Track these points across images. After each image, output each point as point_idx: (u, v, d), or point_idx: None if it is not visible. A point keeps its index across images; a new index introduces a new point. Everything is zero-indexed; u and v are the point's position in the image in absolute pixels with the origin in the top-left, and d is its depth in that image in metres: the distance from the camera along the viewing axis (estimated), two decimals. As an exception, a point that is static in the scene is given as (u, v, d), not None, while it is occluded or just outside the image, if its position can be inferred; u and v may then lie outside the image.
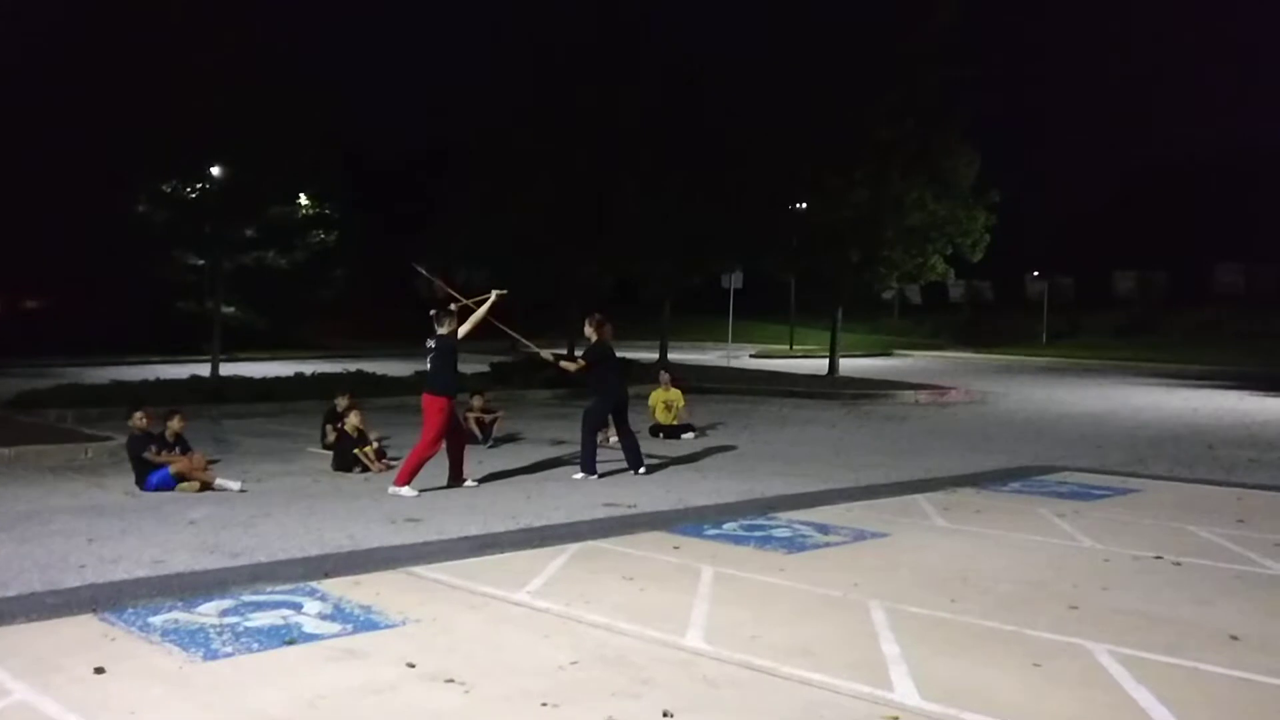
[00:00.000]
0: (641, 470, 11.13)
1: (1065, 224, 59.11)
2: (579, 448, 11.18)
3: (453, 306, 10.35)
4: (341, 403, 12.30)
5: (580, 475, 10.83)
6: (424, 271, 10.42)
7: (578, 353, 28.59)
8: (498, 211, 26.95)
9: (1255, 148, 57.71)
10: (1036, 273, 57.30)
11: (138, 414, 10.33)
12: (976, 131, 26.51)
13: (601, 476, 10.80)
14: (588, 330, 11.19)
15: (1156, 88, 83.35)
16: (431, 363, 10.15)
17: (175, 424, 10.39)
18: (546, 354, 12.37)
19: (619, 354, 11.93)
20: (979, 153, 26.30)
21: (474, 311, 10.38)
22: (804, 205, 27.09)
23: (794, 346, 47.12)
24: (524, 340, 12.86)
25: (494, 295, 10.52)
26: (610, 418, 11.44)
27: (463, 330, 10.23)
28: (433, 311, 10.40)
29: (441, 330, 10.13)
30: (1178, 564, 7.24)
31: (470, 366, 20.22)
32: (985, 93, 27.18)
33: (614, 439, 12.54)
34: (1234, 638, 5.56)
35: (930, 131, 25.47)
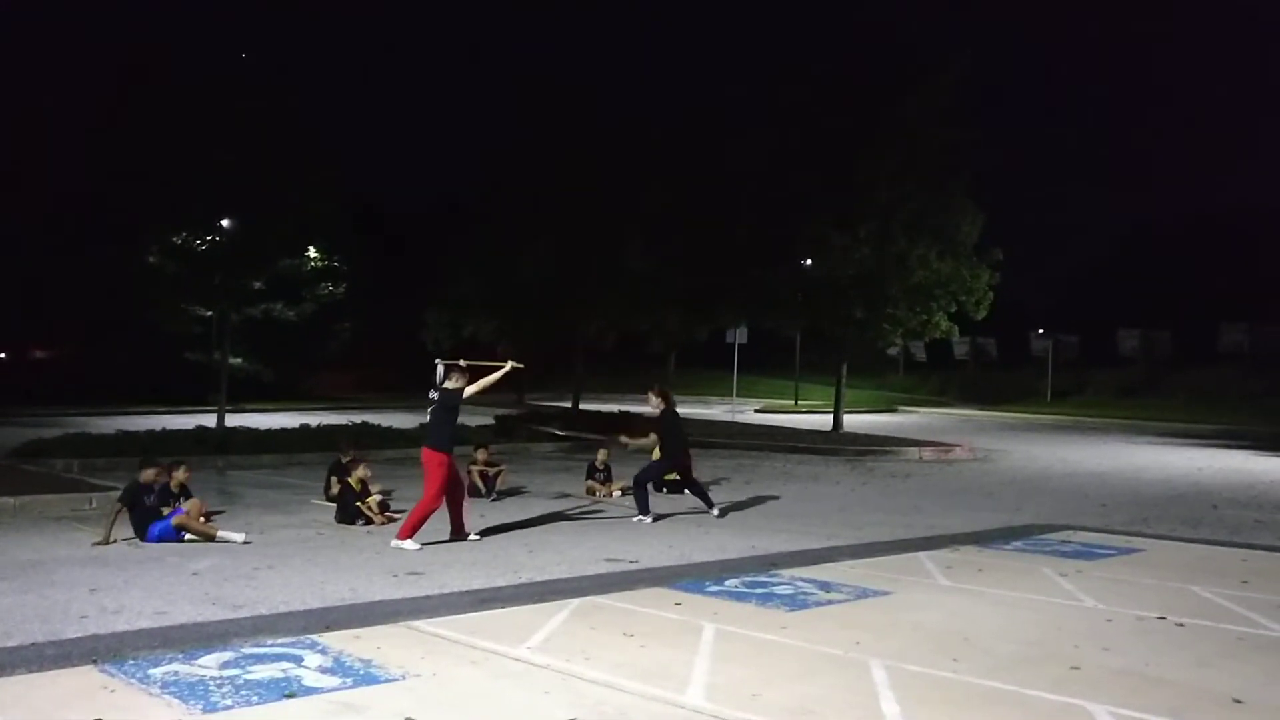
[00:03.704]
0: (715, 512, 11.98)
1: (1069, 282, 59.33)
2: (613, 504, 12.14)
3: (463, 364, 10.39)
4: (346, 455, 12.35)
5: (639, 519, 11.55)
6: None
7: (584, 405, 28.39)
8: (503, 264, 27.18)
9: (1259, 208, 58.10)
10: (1041, 330, 57.41)
11: (149, 470, 10.28)
12: (980, 189, 26.75)
13: (603, 529, 10.83)
14: (653, 401, 11.98)
15: (1161, 146, 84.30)
16: (432, 415, 10.17)
17: (181, 474, 10.44)
18: (624, 440, 13.35)
19: (629, 410, 12.57)
20: (982, 211, 26.49)
21: (486, 374, 10.41)
22: (808, 261, 27.26)
23: (799, 402, 47.13)
24: (623, 440, 13.72)
25: (509, 365, 10.62)
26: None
27: (470, 391, 10.25)
28: (442, 364, 10.45)
29: (448, 385, 10.16)
30: (1181, 625, 7.22)
31: (475, 419, 20.29)
32: (988, 150, 27.32)
33: (617, 493, 13.19)
34: (1237, 701, 5.53)
35: (932, 192, 25.69)
